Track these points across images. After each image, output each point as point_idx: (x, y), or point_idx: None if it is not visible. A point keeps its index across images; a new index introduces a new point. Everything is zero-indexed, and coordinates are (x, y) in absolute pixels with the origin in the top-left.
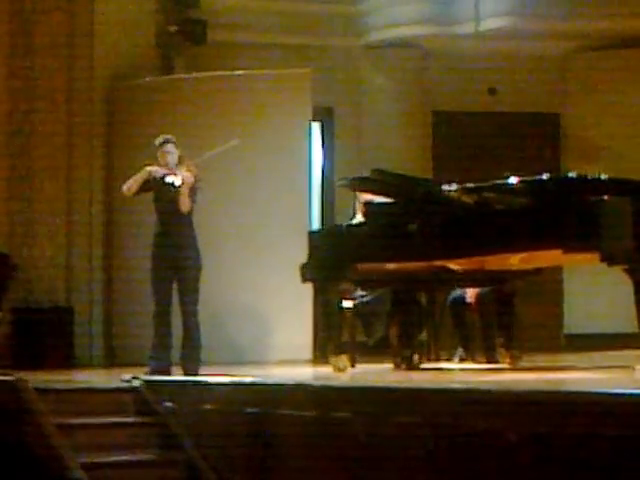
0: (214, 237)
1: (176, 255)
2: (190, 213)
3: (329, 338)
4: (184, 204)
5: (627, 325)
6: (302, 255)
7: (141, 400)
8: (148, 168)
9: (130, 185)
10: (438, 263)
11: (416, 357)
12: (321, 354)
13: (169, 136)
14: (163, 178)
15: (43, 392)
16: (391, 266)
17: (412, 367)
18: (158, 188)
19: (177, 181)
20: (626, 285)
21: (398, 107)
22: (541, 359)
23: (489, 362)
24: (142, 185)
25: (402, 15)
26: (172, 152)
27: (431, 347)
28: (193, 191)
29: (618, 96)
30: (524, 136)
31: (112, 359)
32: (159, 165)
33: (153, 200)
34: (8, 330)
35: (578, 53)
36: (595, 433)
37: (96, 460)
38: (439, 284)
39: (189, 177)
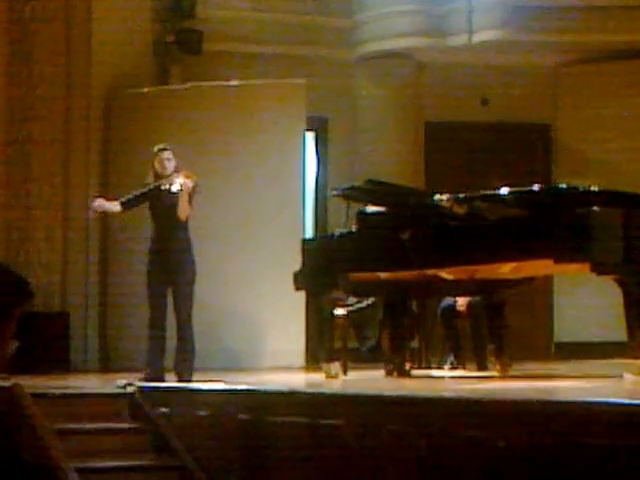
0: (208, 244)
1: (171, 261)
2: (186, 219)
3: (321, 345)
4: (182, 210)
5: (617, 334)
6: (295, 263)
7: (135, 406)
8: (93, 205)
9: (110, 211)
10: (430, 272)
11: (407, 364)
12: (313, 361)
13: (166, 144)
14: (158, 186)
15: (38, 397)
16: (383, 275)
17: (403, 374)
18: (154, 197)
19: (175, 187)
20: (615, 294)
21: (391, 117)
22: (531, 367)
23: (480, 370)
24: (131, 201)
25: (396, 27)
26: (169, 159)
27: (422, 355)
28: (191, 198)
29: (609, 108)
30: (515, 147)
31: (107, 364)
32: (155, 172)
33: (149, 208)
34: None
35: (569, 65)
36: (584, 442)
37: (90, 465)
38: (431, 293)
39: (188, 183)
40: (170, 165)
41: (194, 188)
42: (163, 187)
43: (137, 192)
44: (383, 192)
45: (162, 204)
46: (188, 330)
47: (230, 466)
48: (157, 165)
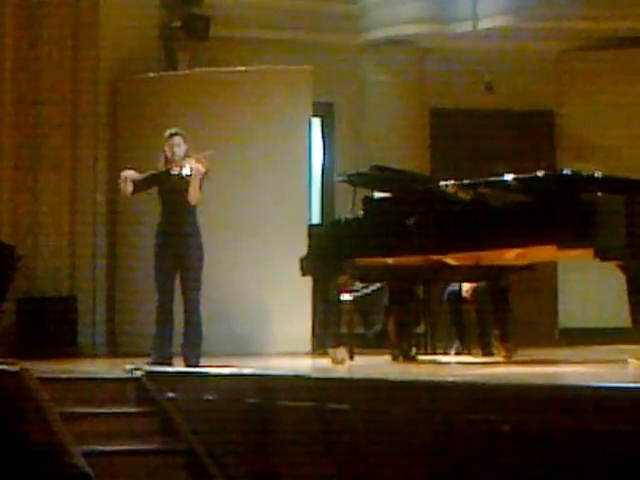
0: (215, 230)
1: (179, 245)
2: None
3: (328, 331)
4: (193, 196)
5: (620, 320)
6: (302, 249)
7: (143, 390)
8: (122, 173)
9: (123, 189)
10: (435, 258)
11: (413, 350)
12: (320, 346)
13: (178, 129)
14: (168, 170)
15: (46, 381)
16: (389, 260)
17: (409, 359)
18: (163, 181)
19: (186, 171)
20: (619, 280)
21: (396, 104)
22: (536, 353)
23: (485, 355)
24: (138, 184)
25: (401, 13)
26: (180, 145)
27: (428, 340)
28: (201, 183)
29: (612, 95)
30: (520, 133)
31: (115, 349)
32: (165, 157)
33: (158, 192)
34: (12, 319)
35: (573, 52)
36: (588, 426)
37: (98, 449)
38: (436, 278)
39: (200, 168)
40: (180, 150)
41: (206, 174)
42: (173, 172)
43: (146, 175)
44: (388, 178)
45: (171, 188)
46: (196, 315)
47: (237, 450)
48: (167, 150)
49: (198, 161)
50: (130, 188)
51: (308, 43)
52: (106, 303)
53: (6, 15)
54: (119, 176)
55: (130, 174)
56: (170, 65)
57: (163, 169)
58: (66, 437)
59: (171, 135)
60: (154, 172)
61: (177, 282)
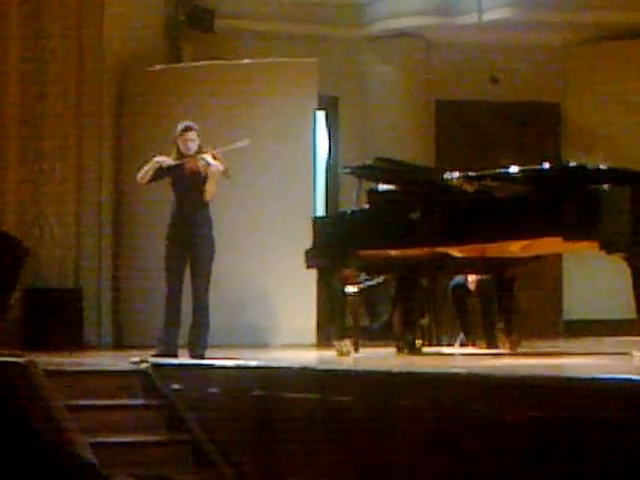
0: (220, 222)
1: (191, 236)
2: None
3: (333, 323)
4: (209, 192)
5: (625, 311)
6: (307, 241)
7: (148, 382)
8: (156, 159)
9: (143, 175)
10: (440, 250)
11: (418, 342)
12: (325, 338)
13: (191, 123)
14: (182, 165)
15: (52, 374)
16: (394, 252)
17: (414, 351)
18: (177, 174)
19: (202, 167)
20: (624, 272)
21: (402, 96)
22: (540, 344)
23: (489, 347)
24: (155, 174)
25: (406, 6)
26: (193, 139)
27: (433, 332)
28: (217, 180)
29: (617, 86)
30: (525, 125)
31: (120, 341)
32: (178, 151)
33: (171, 184)
34: (18, 312)
35: (578, 44)
36: (592, 417)
37: (104, 440)
38: (441, 270)
39: (218, 166)
40: (193, 145)
41: (224, 172)
42: (187, 166)
43: (165, 165)
44: (393, 170)
45: (185, 182)
46: (204, 307)
47: (242, 442)
48: (181, 144)
49: (214, 157)
50: (149, 177)
51: (313, 36)
52: (112, 295)
53: (11, 7)
54: (152, 160)
55: (164, 160)
56: (175, 57)
57: (177, 162)
58: (72, 428)
59: (185, 129)
60: (170, 165)
61: (187, 273)
